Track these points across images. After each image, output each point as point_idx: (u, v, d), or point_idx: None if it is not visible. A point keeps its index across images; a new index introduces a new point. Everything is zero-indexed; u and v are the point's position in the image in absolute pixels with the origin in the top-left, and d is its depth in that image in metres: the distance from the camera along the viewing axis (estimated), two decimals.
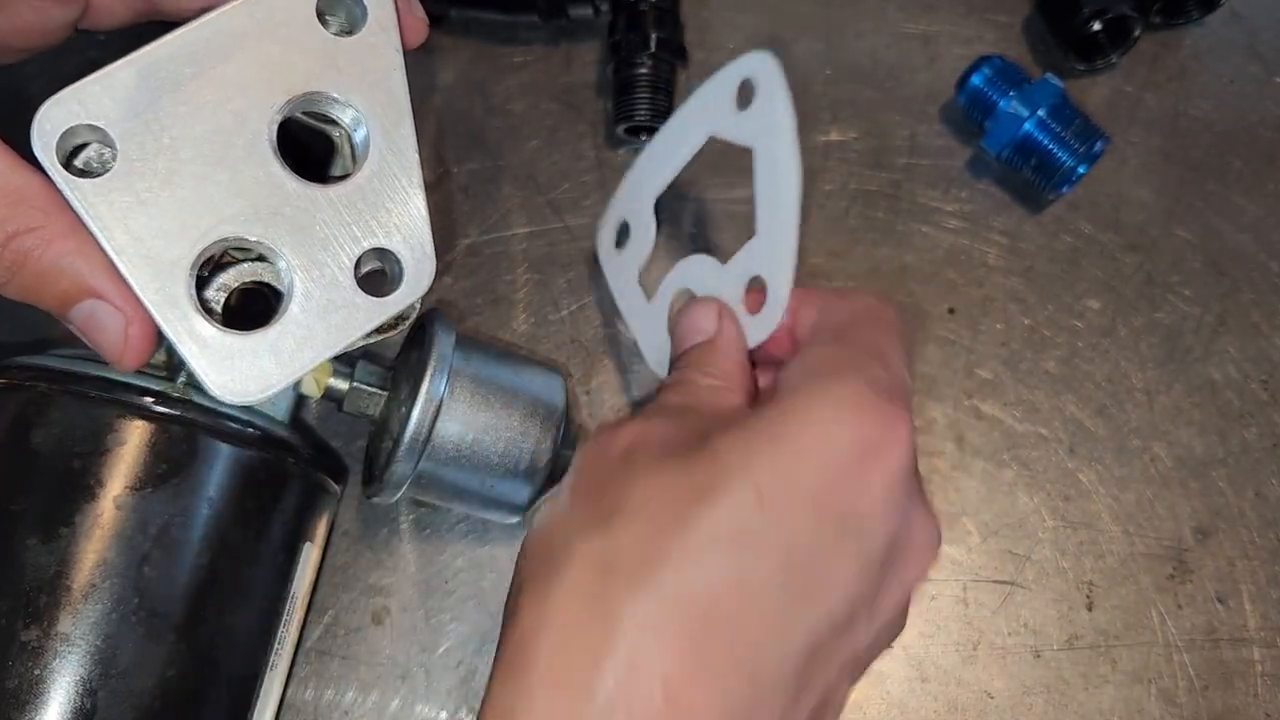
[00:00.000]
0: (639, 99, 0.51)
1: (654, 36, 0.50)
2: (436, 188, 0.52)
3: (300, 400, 0.41)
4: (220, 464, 0.36)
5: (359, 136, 0.35)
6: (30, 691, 0.32)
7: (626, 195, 0.45)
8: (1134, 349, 0.51)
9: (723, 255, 0.40)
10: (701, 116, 0.40)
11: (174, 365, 0.38)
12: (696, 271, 0.41)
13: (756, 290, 0.38)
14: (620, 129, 0.52)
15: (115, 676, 0.33)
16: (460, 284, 0.51)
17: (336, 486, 0.42)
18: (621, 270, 0.45)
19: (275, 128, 0.34)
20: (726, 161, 0.53)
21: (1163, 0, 0.53)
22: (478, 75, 0.54)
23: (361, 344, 0.39)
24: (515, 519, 0.43)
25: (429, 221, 0.36)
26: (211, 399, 0.37)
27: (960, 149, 0.54)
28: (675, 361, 0.39)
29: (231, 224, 0.33)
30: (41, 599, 0.33)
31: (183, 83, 0.33)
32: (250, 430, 0.37)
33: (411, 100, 0.53)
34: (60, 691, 0.33)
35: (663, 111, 0.51)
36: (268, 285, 0.38)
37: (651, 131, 0.52)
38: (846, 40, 0.55)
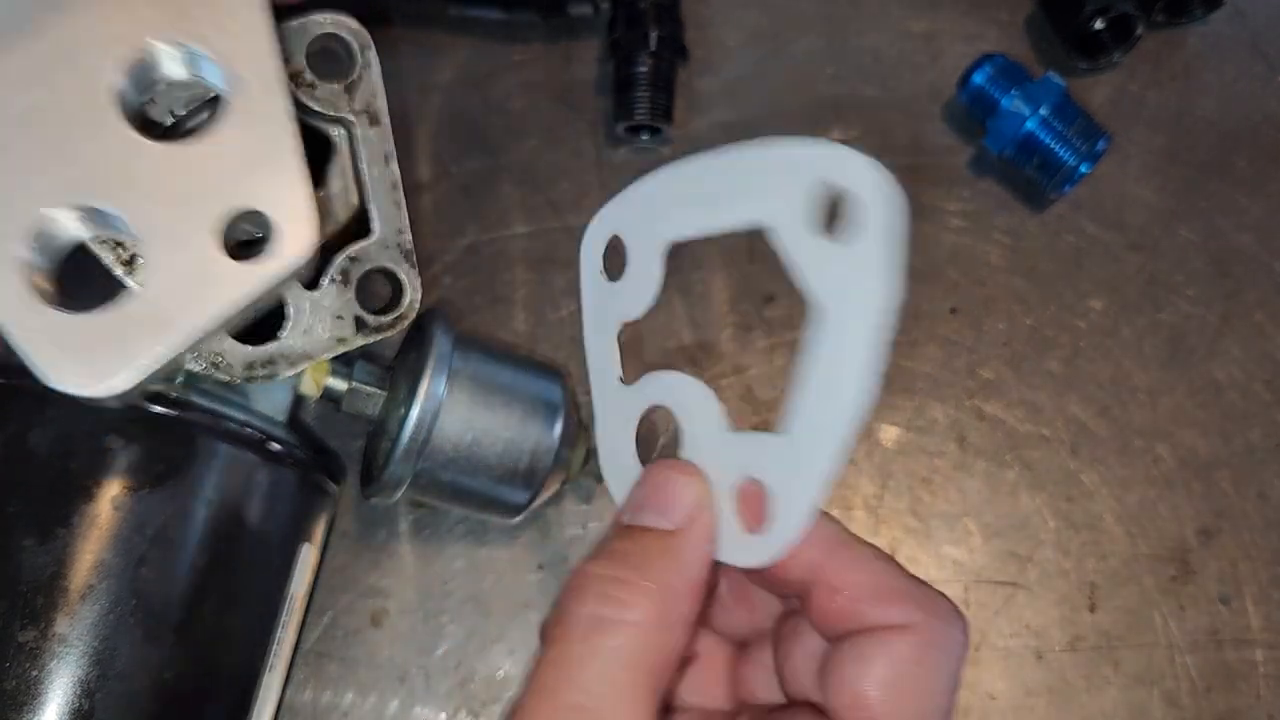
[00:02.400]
0: (639, 97, 0.50)
1: (654, 34, 0.50)
2: (436, 187, 0.52)
3: (299, 400, 0.41)
4: (218, 464, 0.36)
5: (218, 82, 0.32)
6: (28, 693, 0.32)
7: (631, 206, 0.33)
8: (1137, 349, 0.51)
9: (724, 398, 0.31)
10: (761, 190, 0.28)
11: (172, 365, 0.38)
12: (690, 409, 0.30)
13: (753, 491, 0.28)
14: (620, 127, 0.51)
15: (113, 678, 0.33)
16: (460, 283, 0.50)
17: (335, 487, 0.42)
18: (603, 311, 0.34)
19: (120, 87, 0.31)
20: None
21: None
22: (477, 73, 0.54)
23: (360, 344, 0.39)
24: (515, 519, 0.43)
25: (306, 177, 0.31)
26: (211, 399, 0.37)
27: (962, 147, 0.53)
28: (624, 515, 0.30)
29: (70, 195, 0.30)
30: (39, 600, 0.33)
31: (11, 47, 0.30)
32: (248, 431, 0.37)
33: (411, 99, 0.53)
34: (58, 693, 0.32)
35: (663, 109, 0.51)
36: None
37: (652, 131, 0.52)
38: (848, 38, 0.55)
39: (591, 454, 0.45)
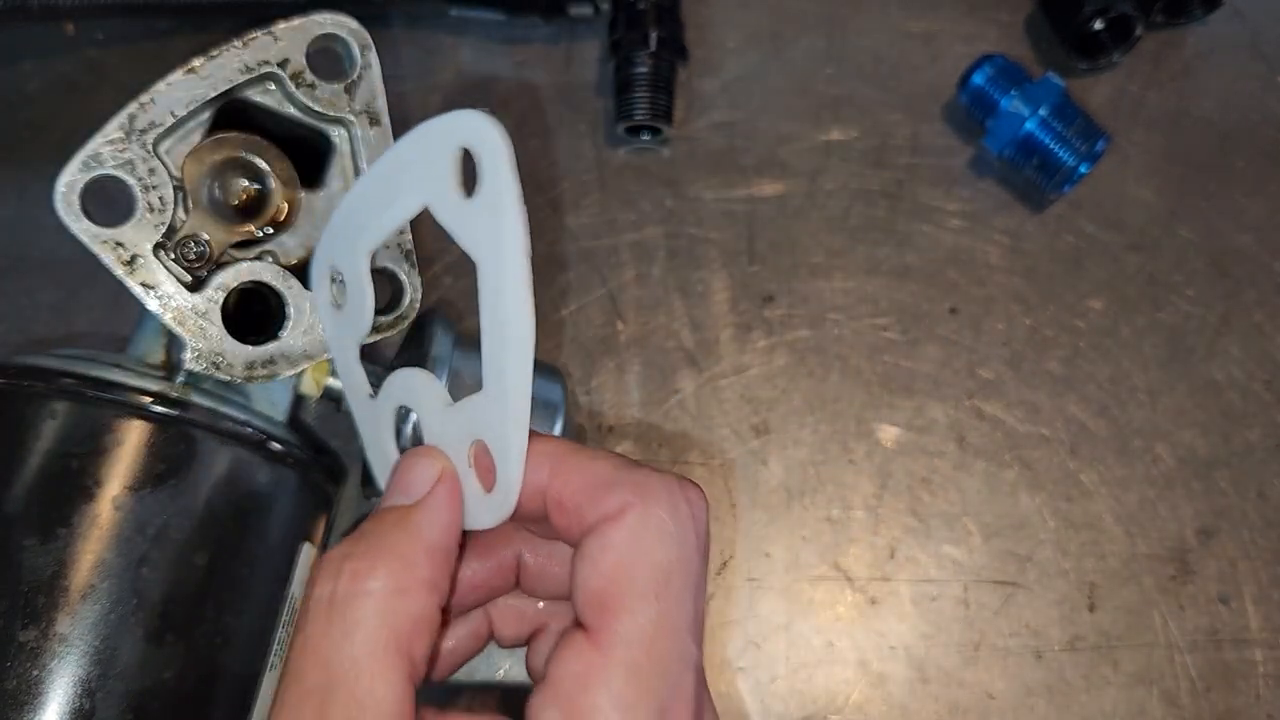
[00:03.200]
0: (639, 98, 0.50)
1: (654, 35, 0.50)
2: None
3: (299, 400, 0.41)
4: (218, 464, 0.36)
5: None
6: (28, 692, 0.32)
7: (333, 236, 0.35)
8: (1136, 349, 0.51)
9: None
10: (416, 176, 0.29)
11: (172, 365, 0.38)
12: (418, 396, 0.32)
13: (484, 456, 0.29)
14: (620, 128, 0.51)
15: (113, 677, 0.33)
16: (459, 284, 0.50)
17: (335, 487, 0.42)
18: (341, 339, 0.36)
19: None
20: (728, 161, 0.53)
21: None
22: (478, 74, 0.54)
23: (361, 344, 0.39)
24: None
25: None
26: (212, 399, 0.37)
27: (962, 148, 0.53)
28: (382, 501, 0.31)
29: None
30: (39, 600, 0.33)
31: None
32: (249, 430, 0.37)
33: (412, 100, 0.53)
34: (58, 692, 0.32)
35: (663, 110, 0.51)
36: (265, 285, 0.38)
37: (653, 131, 0.52)
38: (848, 38, 0.55)
39: None
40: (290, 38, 0.37)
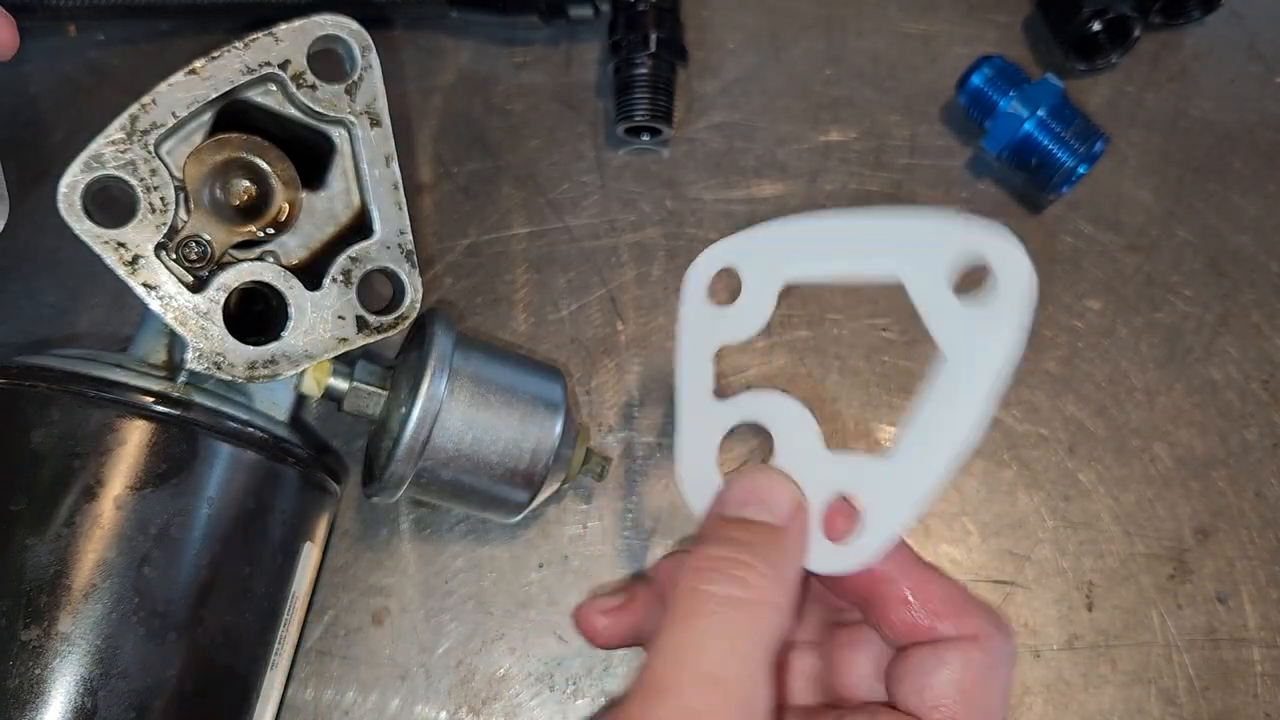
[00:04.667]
0: (639, 99, 0.50)
1: (654, 36, 0.50)
2: (437, 188, 0.52)
3: (300, 400, 0.41)
4: (220, 464, 0.36)
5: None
6: (31, 691, 0.32)
7: (750, 246, 0.35)
8: (1134, 349, 0.51)
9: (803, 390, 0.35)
10: (903, 249, 0.31)
11: (174, 365, 0.38)
12: (786, 425, 0.33)
13: (842, 508, 0.32)
14: (620, 129, 0.52)
15: (116, 676, 0.33)
16: (460, 284, 0.51)
17: (336, 486, 0.42)
18: (704, 333, 0.36)
19: None
20: (729, 163, 0.53)
21: (1163, 0, 0.53)
22: (478, 75, 0.54)
23: (362, 344, 0.39)
24: (515, 519, 0.43)
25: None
26: (214, 398, 0.37)
27: (960, 149, 0.53)
28: (725, 510, 0.32)
29: None
30: (42, 599, 0.33)
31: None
32: (250, 430, 0.37)
33: (412, 101, 0.53)
34: (61, 691, 0.33)
35: (663, 111, 0.51)
36: (267, 285, 0.38)
37: (652, 132, 0.52)
38: (847, 40, 0.55)
39: (591, 454, 0.45)
40: (291, 39, 0.37)
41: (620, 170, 0.53)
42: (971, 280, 0.30)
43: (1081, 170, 0.50)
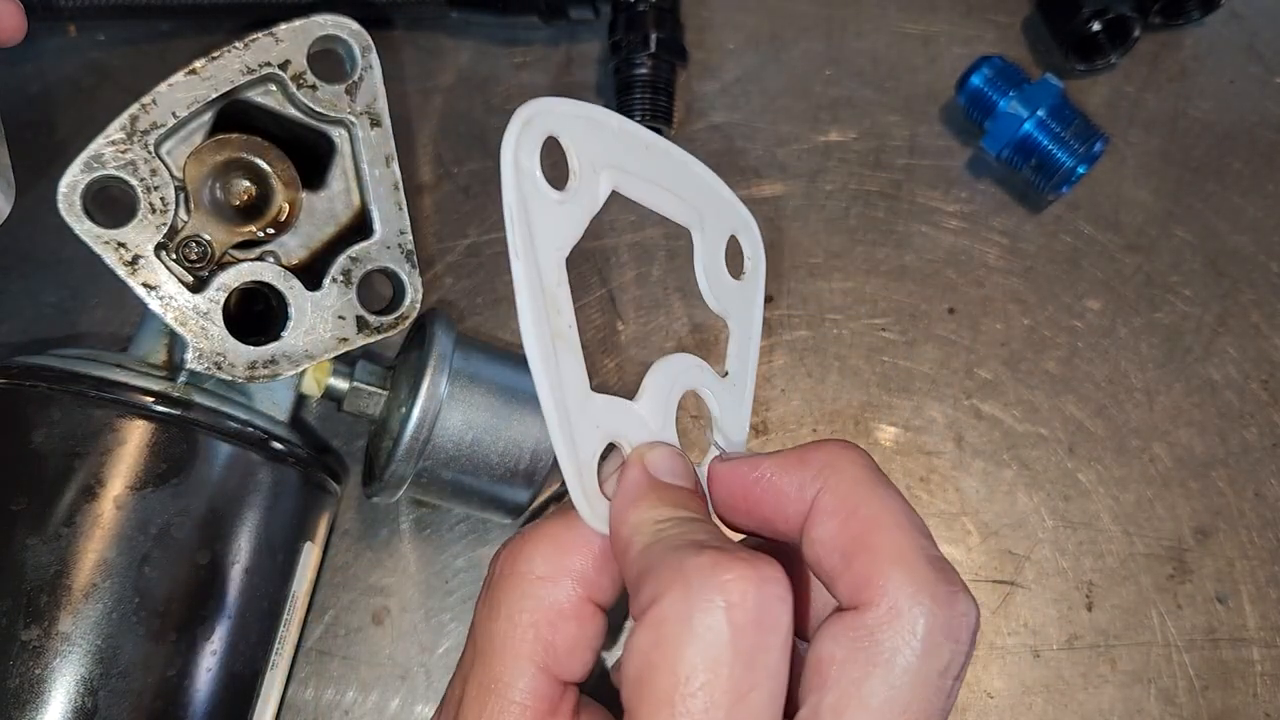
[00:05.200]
0: (639, 99, 0.51)
1: (654, 37, 0.50)
2: (436, 188, 0.52)
3: (300, 400, 0.41)
4: (220, 464, 0.36)
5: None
6: (31, 691, 0.32)
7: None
8: (1134, 349, 0.51)
9: None
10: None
11: (174, 365, 0.38)
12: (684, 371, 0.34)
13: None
14: None
15: (116, 676, 0.33)
16: (460, 284, 0.51)
17: (337, 486, 0.42)
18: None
19: None
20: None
21: (1163, 0, 0.53)
22: (478, 75, 0.54)
23: (362, 344, 0.39)
24: (515, 519, 0.43)
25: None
26: (214, 398, 0.37)
27: (960, 149, 0.54)
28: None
29: None
30: (42, 599, 0.33)
31: None
32: (250, 430, 0.37)
33: (412, 101, 0.53)
34: (61, 691, 0.33)
35: (663, 111, 0.51)
36: (267, 285, 0.38)
37: (653, 132, 0.52)
38: (847, 40, 0.55)
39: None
40: (291, 39, 0.37)
41: None
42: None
43: (1081, 170, 0.51)
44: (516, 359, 0.43)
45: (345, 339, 0.39)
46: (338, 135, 0.39)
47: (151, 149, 0.36)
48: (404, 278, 0.40)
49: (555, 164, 0.30)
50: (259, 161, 0.38)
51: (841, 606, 0.26)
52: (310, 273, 0.39)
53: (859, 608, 0.25)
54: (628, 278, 0.51)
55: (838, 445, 0.28)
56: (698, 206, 0.35)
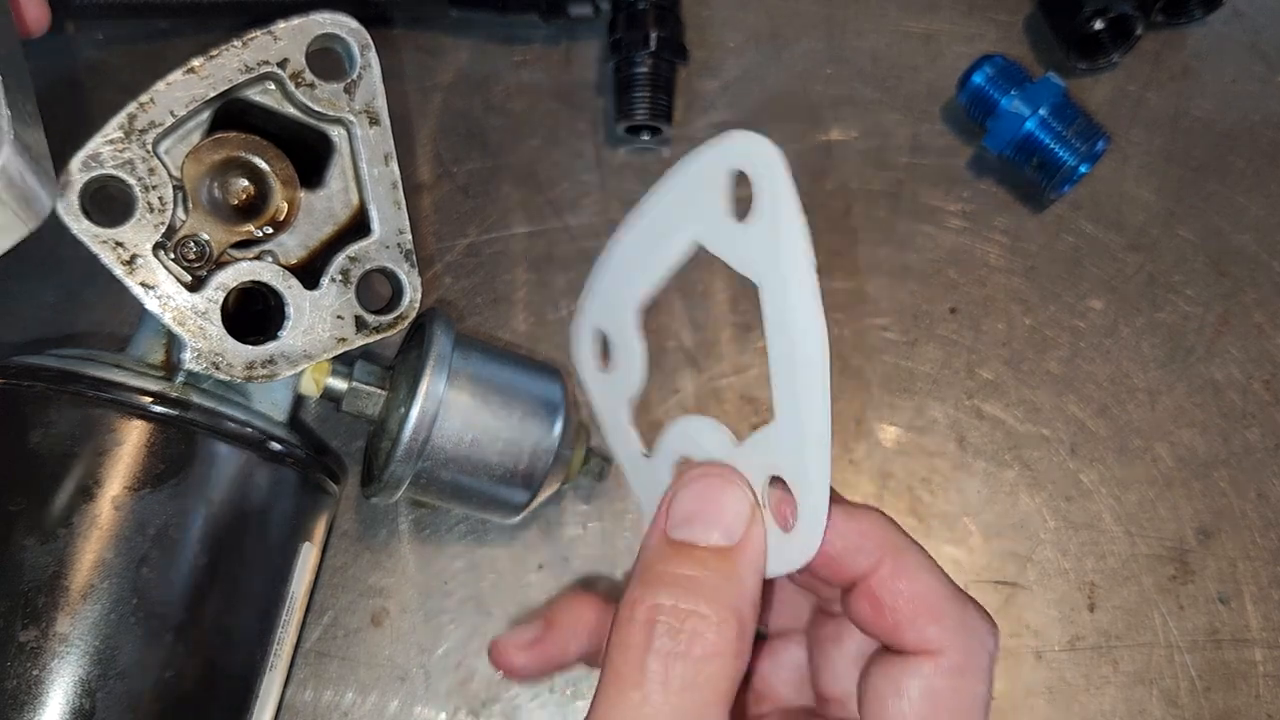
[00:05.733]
0: (639, 98, 0.50)
1: (654, 35, 0.50)
2: (435, 187, 0.52)
3: (299, 400, 0.41)
4: (218, 464, 0.36)
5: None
6: (29, 692, 0.32)
7: (599, 295, 0.33)
8: (1136, 349, 0.51)
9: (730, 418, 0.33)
10: (685, 210, 0.29)
11: (172, 365, 0.38)
12: (701, 441, 0.31)
13: (781, 493, 0.28)
14: (620, 128, 0.51)
15: (114, 677, 0.33)
16: (460, 283, 0.50)
17: (335, 487, 0.42)
18: (610, 401, 0.34)
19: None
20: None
21: None
22: (478, 74, 0.54)
23: (361, 344, 0.39)
24: (514, 519, 0.43)
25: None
26: (212, 399, 0.37)
27: (962, 148, 0.53)
28: (671, 529, 0.29)
29: None
30: (40, 599, 0.33)
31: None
32: (249, 430, 0.37)
33: (411, 100, 0.53)
34: (59, 692, 0.32)
35: (663, 110, 0.51)
36: (265, 285, 0.38)
37: (653, 131, 0.52)
38: (848, 39, 0.55)
39: (592, 453, 0.45)
40: (290, 37, 0.37)
41: (620, 169, 0.53)
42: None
43: (1083, 169, 0.50)
44: (515, 359, 0.43)
45: (344, 339, 0.39)
46: (336, 134, 0.39)
47: (149, 148, 0.36)
48: (403, 277, 0.40)
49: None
50: (257, 160, 0.38)
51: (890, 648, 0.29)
52: (309, 272, 0.39)
53: (923, 654, 0.28)
54: None
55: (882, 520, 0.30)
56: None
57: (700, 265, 0.51)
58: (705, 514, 0.28)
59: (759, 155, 0.26)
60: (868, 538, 0.28)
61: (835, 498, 0.27)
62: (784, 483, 0.27)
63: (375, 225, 0.39)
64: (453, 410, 0.40)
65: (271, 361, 0.38)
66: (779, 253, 0.26)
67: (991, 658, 0.29)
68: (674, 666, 0.26)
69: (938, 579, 0.29)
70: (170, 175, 0.37)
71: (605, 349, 0.34)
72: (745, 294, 0.51)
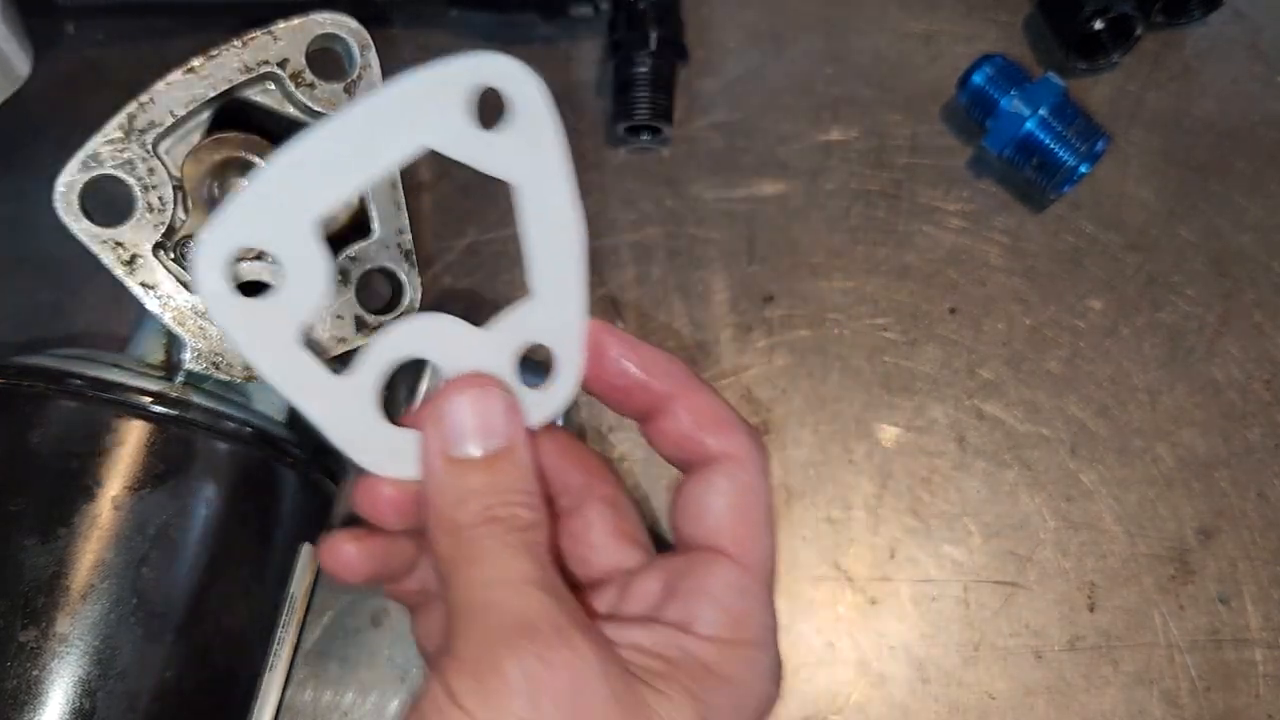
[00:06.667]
0: (639, 97, 0.50)
1: (654, 35, 0.50)
2: (436, 187, 0.52)
3: None
4: (218, 464, 0.36)
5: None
6: (29, 692, 0.32)
7: (255, 210, 0.28)
8: (1136, 349, 0.51)
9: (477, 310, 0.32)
10: (410, 118, 0.29)
11: (172, 365, 0.38)
12: (437, 340, 0.31)
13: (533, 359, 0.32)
14: (620, 128, 0.51)
15: (114, 677, 0.33)
16: (459, 283, 0.50)
17: (335, 487, 0.42)
18: (266, 328, 0.29)
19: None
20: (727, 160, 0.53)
21: None
22: None
23: (361, 344, 0.39)
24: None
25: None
26: (212, 398, 0.37)
27: (961, 148, 0.53)
28: (445, 456, 0.30)
29: None
30: (40, 600, 0.33)
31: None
32: (248, 430, 0.37)
33: None
34: (59, 692, 0.32)
35: (663, 110, 0.51)
36: (266, 285, 0.38)
37: (653, 131, 0.52)
38: (848, 38, 0.55)
39: None
40: (290, 37, 0.37)
41: (620, 169, 0.53)
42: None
43: (1083, 169, 0.50)
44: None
45: (344, 339, 0.39)
46: None
47: (149, 148, 0.36)
48: (403, 277, 0.40)
49: None
50: (257, 160, 0.38)
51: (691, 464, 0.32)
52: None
53: (727, 458, 0.32)
54: (628, 277, 0.51)
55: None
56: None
57: (700, 265, 0.51)
58: (481, 426, 0.30)
59: (509, 72, 0.29)
60: (657, 366, 0.32)
61: (629, 338, 0.33)
62: (541, 349, 0.32)
63: (375, 225, 0.39)
64: None
65: None
66: (538, 157, 0.30)
67: (769, 471, 0.32)
68: (507, 538, 0.29)
69: (725, 401, 0.33)
70: (170, 175, 0.37)
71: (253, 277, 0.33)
72: (746, 294, 0.51)
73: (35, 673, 0.32)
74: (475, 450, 0.30)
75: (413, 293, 0.40)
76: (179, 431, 0.35)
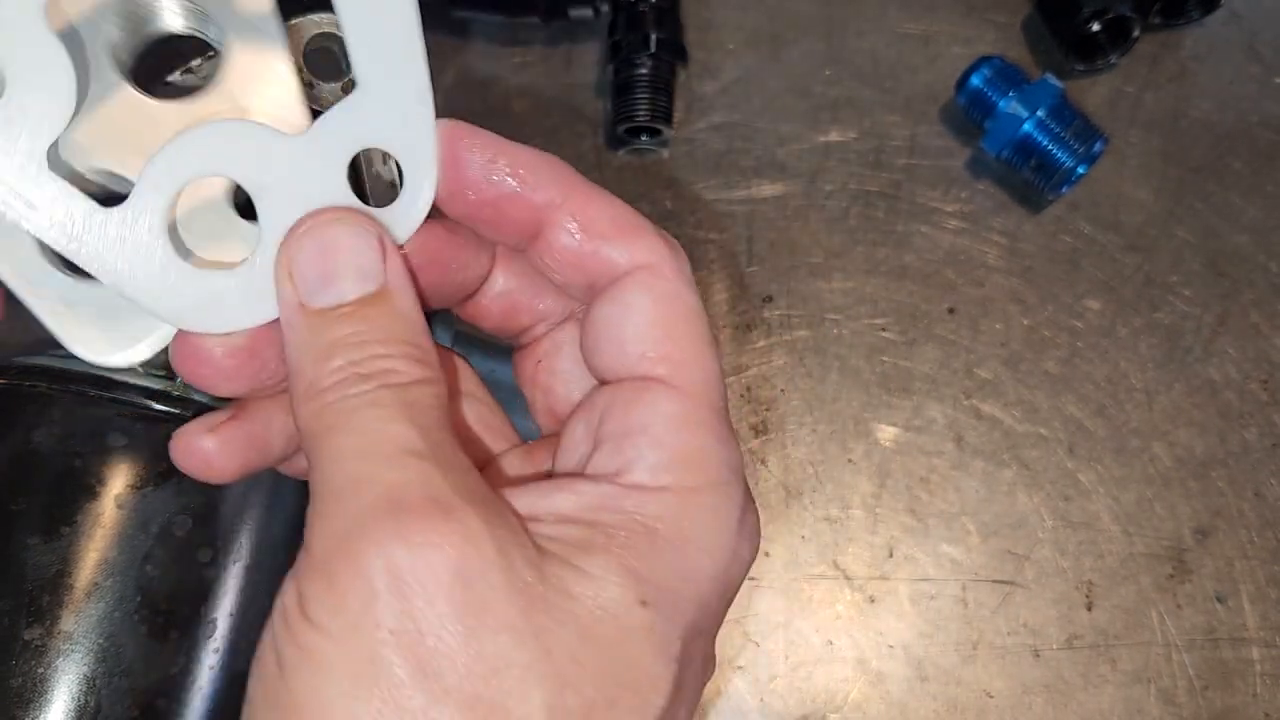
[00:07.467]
0: (639, 99, 0.51)
1: (654, 36, 0.51)
2: None
3: None
4: None
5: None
6: (34, 690, 0.32)
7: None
8: (1133, 349, 0.51)
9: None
10: None
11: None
12: (241, 152, 0.24)
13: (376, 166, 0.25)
14: (620, 129, 0.52)
15: (119, 674, 0.33)
16: None
17: None
18: None
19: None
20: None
21: (1162, 1, 0.53)
22: (478, 76, 0.54)
23: None
24: None
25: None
26: (210, 397, 0.37)
27: (960, 149, 0.54)
28: (303, 308, 0.24)
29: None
30: (44, 598, 0.33)
31: None
32: None
33: None
34: (63, 689, 0.33)
35: (663, 111, 0.51)
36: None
37: (652, 133, 0.52)
38: (847, 40, 0.56)
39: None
40: (288, 37, 0.37)
41: (620, 170, 0.53)
42: None
43: (1081, 170, 0.51)
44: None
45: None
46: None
47: None
48: None
49: None
50: None
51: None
52: None
53: (637, 268, 0.26)
54: None
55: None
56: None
57: (699, 266, 0.51)
58: (336, 268, 0.24)
59: None
60: (534, 170, 0.25)
61: (494, 138, 0.26)
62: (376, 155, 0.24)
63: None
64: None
65: None
66: None
67: (689, 271, 0.26)
68: (379, 397, 0.23)
69: (623, 203, 0.27)
70: None
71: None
72: (745, 294, 0.51)
73: (40, 670, 0.32)
74: (336, 297, 0.24)
75: None
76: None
